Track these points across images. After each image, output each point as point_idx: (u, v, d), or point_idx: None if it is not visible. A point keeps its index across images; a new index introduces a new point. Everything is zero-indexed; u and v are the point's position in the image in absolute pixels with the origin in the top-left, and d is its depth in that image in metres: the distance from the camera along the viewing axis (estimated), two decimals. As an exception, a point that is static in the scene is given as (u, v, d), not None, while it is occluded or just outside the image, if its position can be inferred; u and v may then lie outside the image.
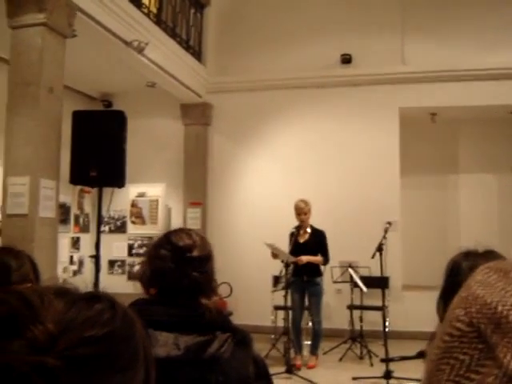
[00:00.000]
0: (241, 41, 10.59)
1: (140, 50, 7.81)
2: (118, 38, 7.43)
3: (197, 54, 10.26)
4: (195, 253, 1.89)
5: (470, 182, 10.60)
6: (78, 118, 6.24)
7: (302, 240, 7.68)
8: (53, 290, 0.72)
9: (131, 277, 10.29)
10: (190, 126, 10.60)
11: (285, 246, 7.58)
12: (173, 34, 9.24)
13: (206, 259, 1.93)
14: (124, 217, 10.55)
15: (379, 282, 7.64)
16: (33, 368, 0.61)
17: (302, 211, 7.65)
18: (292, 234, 7.66)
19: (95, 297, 0.74)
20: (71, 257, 10.12)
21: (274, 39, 10.39)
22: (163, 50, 8.65)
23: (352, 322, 8.76)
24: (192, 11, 10.08)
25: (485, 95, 9.48)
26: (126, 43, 7.62)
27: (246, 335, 1.87)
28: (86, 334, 0.66)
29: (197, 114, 10.51)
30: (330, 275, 8.49)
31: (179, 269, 1.85)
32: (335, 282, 8.71)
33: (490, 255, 1.77)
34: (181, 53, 9.43)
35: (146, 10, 8.39)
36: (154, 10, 8.75)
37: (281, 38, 10.36)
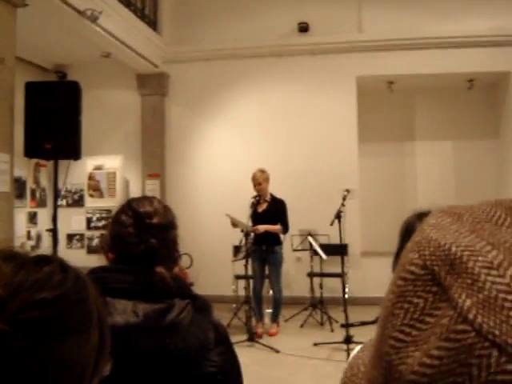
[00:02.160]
0: (197, 9, 10.45)
1: (93, 19, 7.63)
2: (70, 6, 7.24)
3: (152, 23, 10.09)
4: (155, 220, 1.87)
5: (426, 149, 10.74)
6: (31, 89, 6.12)
7: (260, 209, 7.71)
8: (0, 254, 0.69)
9: (91, 250, 10.20)
10: (147, 97, 10.47)
11: (245, 215, 7.60)
12: (127, 2, 9.05)
13: (167, 227, 1.91)
14: (81, 190, 10.41)
15: (338, 250, 7.73)
16: None
17: (255, 181, 7.68)
18: (252, 204, 7.68)
19: (45, 259, 0.72)
20: (28, 232, 9.96)
21: (230, 7, 10.29)
22: (117, 19, 8.48)
23: (312, 290, 8.89)
24: (146, -21, 9.90)
25: (442, 63, 9.56)
26: (79, 12, 7.43)
27: (206, 301, 1.87)
28: (36, 297, 0.65)
29: (153, 85, 10.39)
30: (289, 243, 8.56)
31: (137, 234, 1.83)
32: (295, 250, 8.79)
33: None
34: (136, 22, 9.25)
35: (98, -22, 8.19)
36: (107, -23, 8.55)
37: (238, 6, 10.27)
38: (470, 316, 0.41)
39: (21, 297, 0.64)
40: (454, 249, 0.44)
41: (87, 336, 0.71)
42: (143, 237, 1.83)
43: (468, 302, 0.42)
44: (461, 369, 0.41)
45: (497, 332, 0.40)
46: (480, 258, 0.43)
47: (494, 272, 0.42)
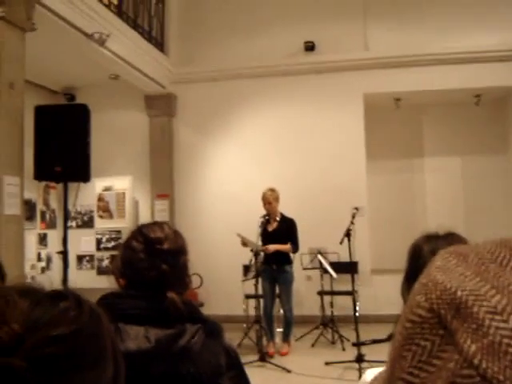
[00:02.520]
0: (203, 30, 10.53)
1: (101, 43, 7.71)
2: (78, 30, 7.32)
3: (159, 44, 10.17)
4: (166, 245, 1.88)
5: (435, 165, 10.72)
6: (41, 112, 6.17)
7: (270, 228, 7.70)
8: (17, 290, 0.70)
9: (101, 272, 10.20)
10: (155, 118, 10.53)
11: (255, 235, 7.59)
12: (134, 25, 9.14)
13: (178, 253, 1.92)
14: (91, 211, 10.44)
15: (348, 267, 7.70)
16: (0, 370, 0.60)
17: (266, 200, 7.68)
18: (262, 223, 7.67)
19: (61, 295, 0.73)
20: (39, 254, 9.99)
21: (236, 28, 10.36)
22: (125, 42, 8.56)
23: (323, 308, 8.84)
24: (153, 1, 9.98)
25: (448, 79, 9.58)
26: (87, 35, 7.51)
27: (217, 325, 1.88)
28: (52, 333, 0.66)
29: (161, 106, 10.44)
30: (299, 262, 8.54)
31: (148, 260, 1.84)
32: (305, 269, 8.76)
33: (450, 238, 1.79)
34: (143, 44, 9.33)
35: (106, 2, 8.28)
36: (114, 1, 8.64)
37: (244, 26, 10.34)
38: (476, 361, 0.42)
39: (38, 333, 0.65)
40: (459, 293, 0.45)
41: (102, 369, 0.72)
42: (154, 262, 1.84)
43: (473, 347, 0.42)
44: None
45: (501, 377, 0.41)
46: (484, 303, 0.44)
47: (498, 317, 0.43)
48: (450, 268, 0.49)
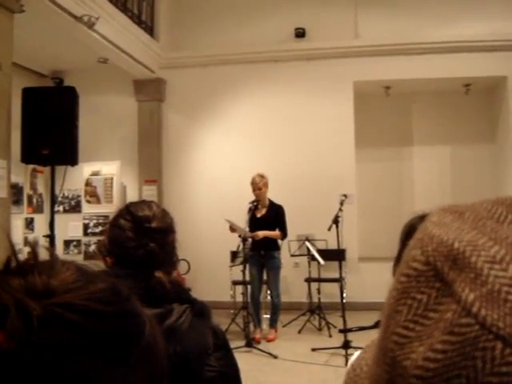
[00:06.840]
0: (193, 15, 10.48)
1: (90, 25, 7.64)
2: (67, 12, 7.25)
3: (149, 28, 10.10)
4: (154, 224, 1.87)
5: (423, 153, 10.75)
6: (29, 95, 6.12)
7: (259, 215, 7.70)
8: (81, 265, 0.66)
9: (88, 257, 10.18)
10: (144, 103, 10.48)
11: (242, 220, 7.59)
12: (124, 8, 9.06)
13: (166, 231, 1.91)
14: (78, 196, 10.41)
15: (336, 255, 7.73)
16: (15, 304, 0.57)
17: (256, 186, 7.67)
18: (250, 209, 7.67)
19: (118, 291, 0.66)
20: (25, 238, 9.94)
21: (227, 13, 10.31)
22: (114, 25, 8.49)
23: (310, 295, 8.87)
24: (143, -15, 9.91)
25: (438, 68, 9.59)
26: (76, 18, 7.44)
27: (205, 306, 1.87)
28: (82, 302, 0.61)
29: (150, 90, 10.39)
30: (287, 249, 8.55)
31: (136, 238, 1.82)
32: (293, 256, 8.77)
33: None
34: (132, 28, 9.26)
35: (95, -16, 8.20)
36: (103, -17, 8.56)
37: (234, 12, 10.29)
38: (474, 309, 0.42)
39: (69, 296, 0.60)
40: (456, 244, 0.45)
41: (127, 371, 0.65)
42: (142, 241, 1.82)
43: (471, 296, 0.42)
44: (465, 362, 0.42)
45: (501, 324, 0.41)
46: (482, 253, 0.44)
47: (496, 266, 0.43)
48: (447, 223, 0.48)
